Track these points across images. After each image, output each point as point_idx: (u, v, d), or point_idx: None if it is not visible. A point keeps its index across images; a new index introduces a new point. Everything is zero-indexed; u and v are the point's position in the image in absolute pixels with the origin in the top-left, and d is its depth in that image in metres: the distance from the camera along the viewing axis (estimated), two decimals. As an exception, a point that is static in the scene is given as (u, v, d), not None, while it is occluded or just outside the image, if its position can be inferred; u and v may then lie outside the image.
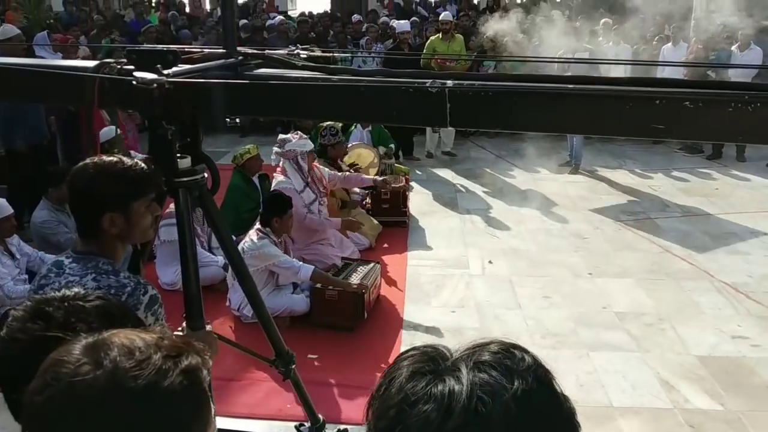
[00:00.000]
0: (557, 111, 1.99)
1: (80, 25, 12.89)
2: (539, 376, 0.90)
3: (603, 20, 12.02)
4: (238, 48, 2.36)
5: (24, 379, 1.16)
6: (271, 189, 5.97)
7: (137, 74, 1.95)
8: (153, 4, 17.79)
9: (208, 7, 20.24)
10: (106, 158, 2.14)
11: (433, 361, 0.92)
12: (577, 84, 2.02)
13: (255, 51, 2.39)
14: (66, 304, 1.37)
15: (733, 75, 9.49)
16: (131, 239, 2.24)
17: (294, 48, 2.43)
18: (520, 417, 0.84)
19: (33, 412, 0.98)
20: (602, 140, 11.52)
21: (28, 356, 1.14)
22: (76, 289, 1.45)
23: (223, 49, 2.35)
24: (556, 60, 9.74)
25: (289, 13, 19.57)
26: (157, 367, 0.98)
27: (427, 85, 2.00)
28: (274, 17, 14.79)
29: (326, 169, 6.52)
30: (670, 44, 11.22)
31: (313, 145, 6.30)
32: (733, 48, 10.75)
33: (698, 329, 5.23)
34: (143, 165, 2.15)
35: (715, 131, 1.94)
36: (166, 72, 1.96)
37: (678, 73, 9.19)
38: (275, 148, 6.16)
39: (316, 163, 6.32)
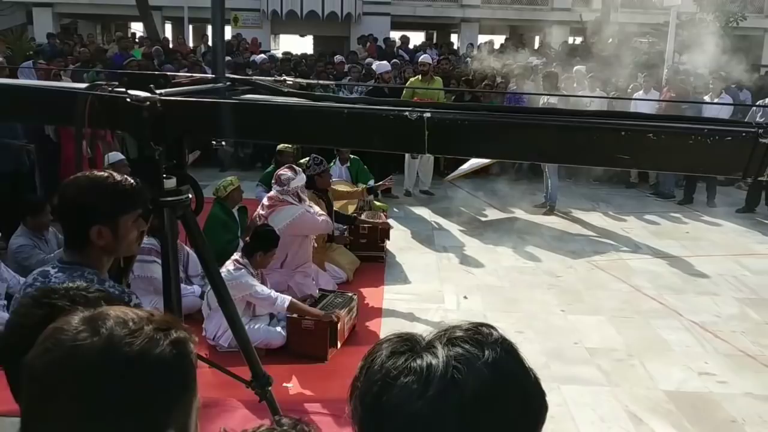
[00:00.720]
0: (528, 140, 2.11)
1: (64, 57, 13.00)
2: (506, 347, 1.00)
3: (575, 68, 12.35)
4: (227, 75, 2.47)
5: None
6: (287, 223, 6.01)
7: (131, 92, 2.04)
8: (137, 40, 17.96)
9: (191, 44, 20.46)
10: (97, 172, 2.20)
11: (409, 342, 1.01)
12: (547, 115, 2.15)
13: (243, 77, 2.50)
14: (71, 293, 1.46)
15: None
16: (117, 252, 2.28)
17: (280, 75, 2.54)
18: (494, 381, 0.94)
19: (34, 375, 1.05)
20: (577, 183, 11.79)
21: (33, 341, 1.21)
22: (78, 282, 1.54)
23: (212, 74, 2.46)
24: (533, 93, 10.02)
25: (272, 52, 19.81)
26: (149, 336, 1.06)
27: (407, 112, 2.12)
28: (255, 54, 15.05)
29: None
30: (641, 92, 11.54)
31: (305, 178, 6.40)
32: (706, 97, 11.10)
33: (667, 365, 5.34)
34: (132, 181, 2.21)
35: (676, 162, 2.06)
36: (158, 91, 2.06)
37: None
38: (276, 187, 6.21)
39: None
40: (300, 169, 6.43)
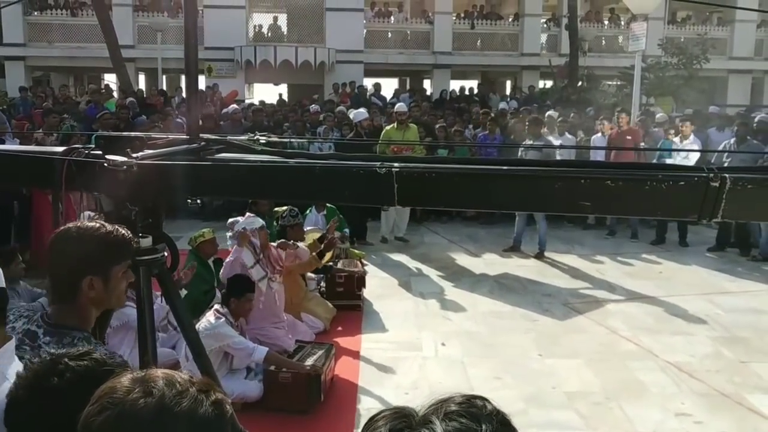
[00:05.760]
0: (494, 190, 2.18)
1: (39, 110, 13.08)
2: (501, 419, 1.03)
3: (548, 113, 12.61)
4: (201, 135, 2.53)
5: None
6: (233, 259, 6.08)
7: (109, 157, 2.08)
8: (114, 94, 18.03)
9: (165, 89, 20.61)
10: (88, 223, 2.16)
11: (406, 418, 1.02)
12: (512, 166, 2.23)
13: (217, 137, 2.55)
14: (84, 358, 1.59)
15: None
16: (106, 305, 2.23)
17: (254, 134, 2.60)
18: None
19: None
20: (551, 226, 11.88)
21: (48, 403, 1.28)
22: (76, 349, 1.63)
23: (187, 135, 2.51)
24: (504, 145, 10.24)
25: (247, 101, 20.00)
26: (194, 397, 1.15)
27: (376, 167, 2.18)
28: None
29: (300, 244, 6.84)
30: (599, 135, 11.77)
31: (262, 222, 6.41)
32: (675, 138, 11.36)
33: (644, 407, 5.37)
34: (123, 231, 2.18)
35: (634, 206, 2.14)
36: (135, 155, 2.10)
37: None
38: (228, 233, 6.31)
39: (272, 244, 6.44)
40: (253, 214, 6.51)
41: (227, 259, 6.16)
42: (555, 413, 5.27)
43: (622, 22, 25.49)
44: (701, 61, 18.33)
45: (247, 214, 6.43)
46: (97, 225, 2.16)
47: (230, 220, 6.38)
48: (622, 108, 12.23)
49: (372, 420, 1.06)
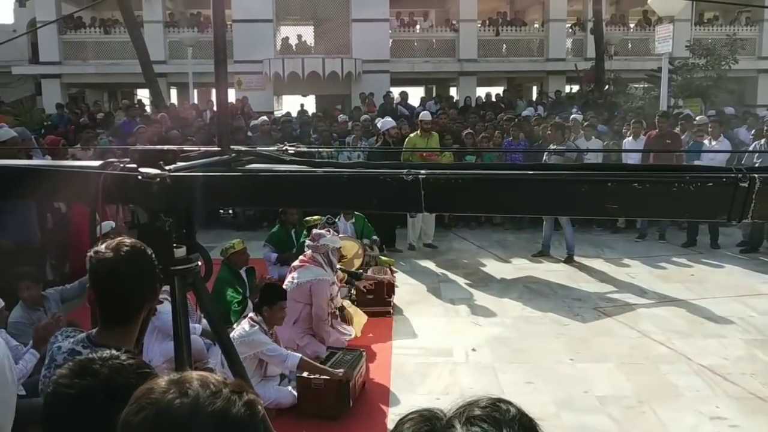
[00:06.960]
0: (520, 194, 2.21)
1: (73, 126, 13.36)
2: (524, 424, 1.03)
3: (572, 116, 12.56)
4: (232, 146, 2.60)
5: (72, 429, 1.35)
6: (308, 280, 6.26)
7: (143, 170, 2.16)
8: (146, 110, 18.32)
9: (196, 102, 20.88)
10: (137, 245, 2.15)
11: (429, 422, 1.05)
12: (538, 171, 2.26)
13: (247, 149, 2.62)
14: (108, 362, 1.61)
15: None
16: (148, 321, 2.29)
17: (283, 145, 2.67)
18: None
19: (128, 430, 1.20)
20: (580, 230, 11.85)
21: (76, 408, 1.33)
22: (108, 351, 1.66)
23: (218, 147, 2.58)
24: (529, 150, 10.23)
25: (276, 113, 20.19)
26: (227, 398, 1.21)
27: (403, 174, 2.23)
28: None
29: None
30: (630, 138, 11.70)
31: (341, 243, 6.69)
32: (705, 141, 11.26)
33: (678, 411, 5.33)
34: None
35: (662, 208, 2.16)
36: (167, 167, 2.17)
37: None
38: (308, 242, 6.49)
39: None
40: (334, 231, 6.68)
41: (312, 278, 6.31)
42: (587, 417, 5.25)
43: (652, 26, 25.25)
44: (730, 61, 18.11)
45: (331, 231, 6.72)
46: (142, 247, 2.19)
47: (316, 231, 6.55)
48: (663, 112, 12.11)
49: (400, 422, 1.09)
